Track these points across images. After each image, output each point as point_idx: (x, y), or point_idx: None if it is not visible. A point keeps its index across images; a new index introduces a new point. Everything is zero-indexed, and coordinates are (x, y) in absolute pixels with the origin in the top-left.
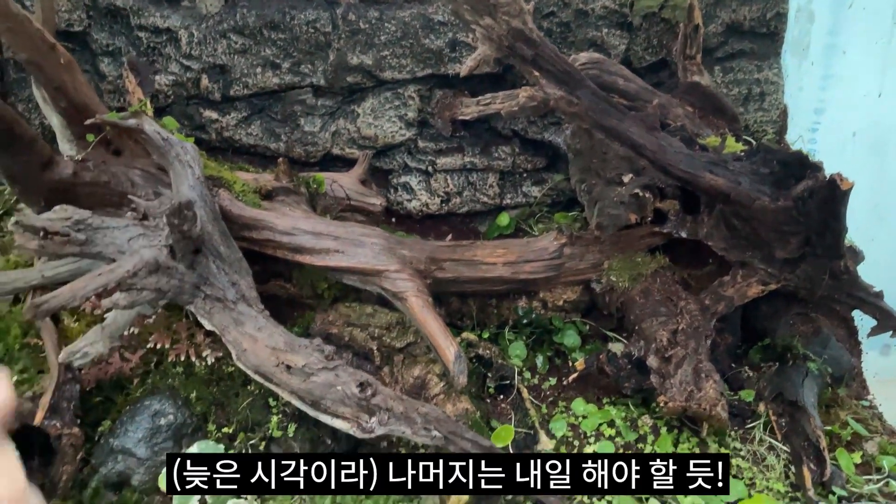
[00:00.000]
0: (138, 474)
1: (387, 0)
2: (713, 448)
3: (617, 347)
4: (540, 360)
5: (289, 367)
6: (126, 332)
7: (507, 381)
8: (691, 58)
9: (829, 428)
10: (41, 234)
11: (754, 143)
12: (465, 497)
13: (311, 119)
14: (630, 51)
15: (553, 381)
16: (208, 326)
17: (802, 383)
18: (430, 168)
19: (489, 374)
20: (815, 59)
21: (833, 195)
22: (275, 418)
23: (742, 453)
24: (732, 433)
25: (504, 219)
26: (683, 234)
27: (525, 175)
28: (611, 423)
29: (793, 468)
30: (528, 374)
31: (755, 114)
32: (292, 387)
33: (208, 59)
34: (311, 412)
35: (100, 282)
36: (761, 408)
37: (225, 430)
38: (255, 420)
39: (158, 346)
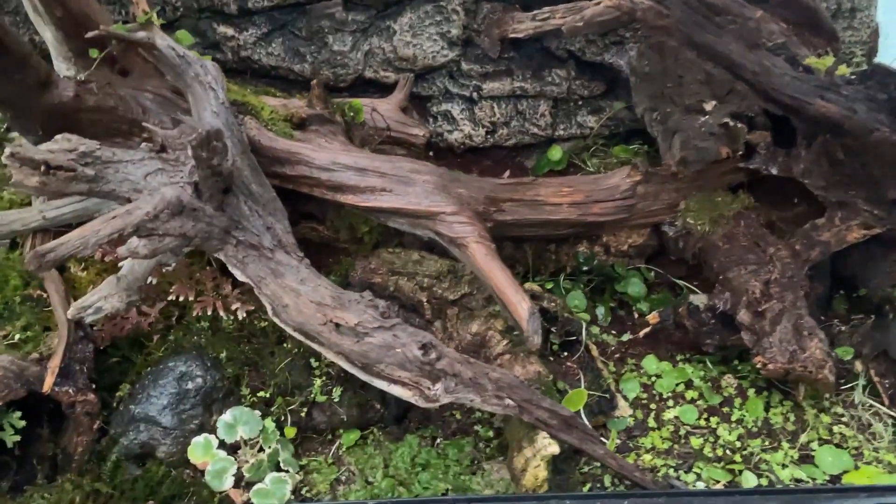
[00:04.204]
0: (164, 445)
1: None
2: (810, 414)
3: (699, 300)
4: (601, 311)
5: (338, 326)
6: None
7: (574, 338)
8: None
9: None
10: (42, 168)
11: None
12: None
13: (340, 37)
14: None
15: (618, 335)
16: (241, 278)
17: None
18: (474, 94)
19: (553, 330)
20: None
21: None
22: (318, 381)
23: (844, 419)
24: (831, 396)
25: (556, 152)
26: (774, 171)
27: (581, 103)
28: (689, 384)
29: None
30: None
31: (843, 33)
32: (342, 348)
33: None
34: (363, 376)
35: (115, 226)
36: (857, 366)
37: (261, 394)
38: (296, 383)
39: (181, 298)
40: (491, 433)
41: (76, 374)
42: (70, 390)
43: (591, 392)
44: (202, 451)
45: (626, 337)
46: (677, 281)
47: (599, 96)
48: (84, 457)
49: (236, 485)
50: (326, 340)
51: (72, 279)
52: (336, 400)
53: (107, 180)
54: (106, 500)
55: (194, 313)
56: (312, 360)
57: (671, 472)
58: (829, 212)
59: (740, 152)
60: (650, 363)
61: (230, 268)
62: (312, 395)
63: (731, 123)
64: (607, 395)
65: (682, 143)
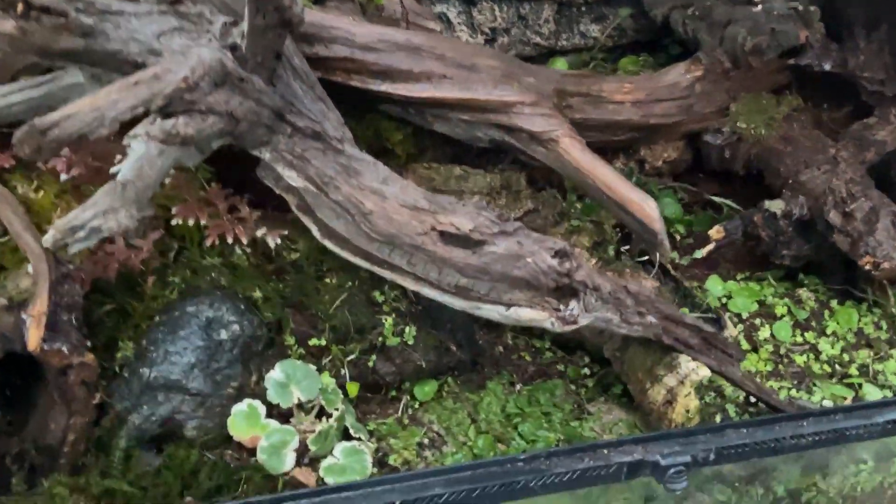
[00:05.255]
0: (195, 419)
1: None
2: None
3: (775, 206)
4: None
5: (444, 235)
6: None
7: (647, 257)
8: None
9: None
10: (21, 7)
11: None
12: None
13: None
14: None
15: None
16: (296, 182)
17: None
18: None
19: (627, 248)
20: None
21: None
22: (389, 319)
23: None
24: None
25: (560, 64)
26: (827, 67)
27: (584, 9)
28: (761, 302)
29: None
30: None
31: None
32: (456, 264)
33: None
34: (462, 304)
35: (139, 95)
36: None
37: (313, 341)
38: (358, 324)
39: (190, 222)
40: (586, 371)
41: (65, 326)
42: (64, 349)
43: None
44: (247, 423)
45: (685, 259)
46: (713, 198)
47: (603, 1)
48: (80, 447)
49: (297, 462)
50: (426, 255)
51: (23, 203)
52: (410, 343)
53: (107, 36)
54: (126, 503)
55: (208, 243)
56: (376, 294)
57: (793, 392)
58: (880, 109)
59: (819, 35)
60: (715, 284)
61: (280, 169)
62: (381, 339)
63: (800, 7)
64: (710, 315)
65: (750, 31)
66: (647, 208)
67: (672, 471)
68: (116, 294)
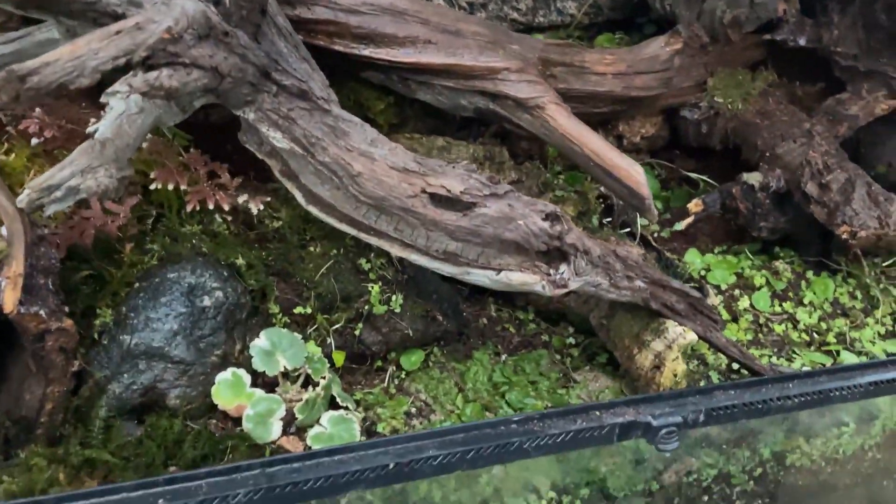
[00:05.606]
0: (178, 388)
1: None
2: (875, 290)
3: (753, 178)
4: None
5: (434, 197)
6: None
7: (629, 229)
8: None
9: None
10: None
11: None
12: None
13: None
14: None
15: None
16: (281, 143)
17: None
18: None
19: (609, 220)
20: None
21: None
22: (375, 287)
23: None
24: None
25: None
26: (802, 42)
27: None
28: (738, 274)
29: None
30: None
31: None
32: (446, 226)
33: None
34: (450, 269)
35: (121, 46)
36: None
37: (298, 309)
38: (345, 292)
39: (169, 187)
40: (571, 340)
41: (42, 290)
42: (41, 313)
43: None
44: (232, 392)
45: (666, 232)
46: (690, 175)
47: None
48: (57, 417)
49: (284, 431)
50: (416, 219)
51: None
52: (397, 310)
53: None
54: (106, 474)
55: (189, 208)
56: (362, 261)
57: (773, 360)
58: (853, 84)
59: (795, 9)
60: (693, 257)
61: (265, 130)
62: (368, 307)
63: None
64: (692, 284)
65: (729, 4)
66: (634, 174)
67: (664, 431)
68: (93, 261)
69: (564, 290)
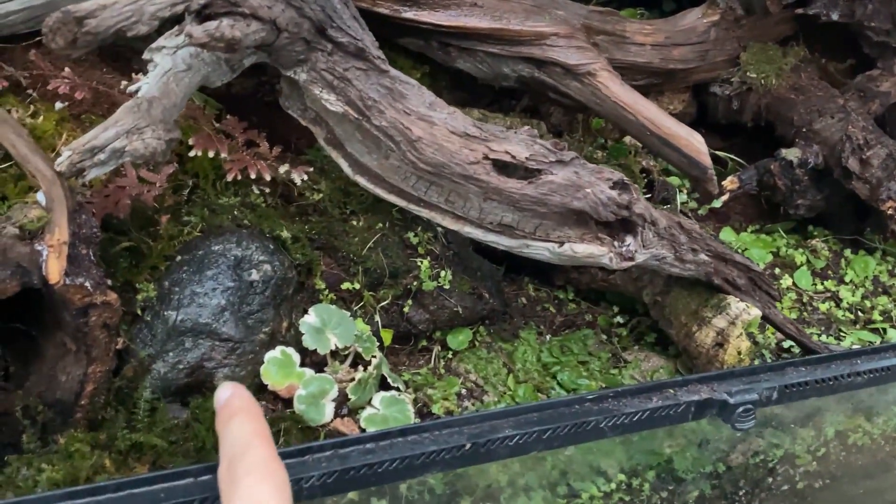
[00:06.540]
0: (226, 367)
1: None
2: None
3: (792, 153)
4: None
5: (497, 164)
6: None
7: (669, 205)
8: None
9: None
10: None
11: None
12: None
13: None
14: None
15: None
16: (335, 106)
17: None
18: None
19: (651, 195)
20: None
21: None
22: (425, 262)
23: None
24: None
25: None
26: (835, 17)
27: None
28: (775, 253)
29: None
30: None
31: None
32: (511, 195)
33: None
34: (507, 242)
35: None
36: None
37: (345, 285)
38: (394, 267)
39: (206, 154)
40: (619, 319)
41: (85, 261)
42: (87, 284)
43: None
44: (281, 372)
45: (703, 210)
46: (717, 153)
47: None
48: (99, 399)
49: (336, 413)
50: (477, 187)
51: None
52: (447, 287)
53: None
54: (155, 459)
55: (229, 178)
56: (410, 235)
57: (822, 338)
58: (883, 61)
59: None
60: (728, 235)
61: (318, 91)
62: (416, 283)
63: None
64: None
65: None
66: (695, 142)
67: (741, 409)
68: (130, 232)
69: (631, 264)
